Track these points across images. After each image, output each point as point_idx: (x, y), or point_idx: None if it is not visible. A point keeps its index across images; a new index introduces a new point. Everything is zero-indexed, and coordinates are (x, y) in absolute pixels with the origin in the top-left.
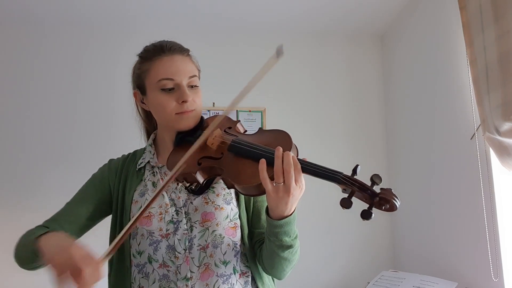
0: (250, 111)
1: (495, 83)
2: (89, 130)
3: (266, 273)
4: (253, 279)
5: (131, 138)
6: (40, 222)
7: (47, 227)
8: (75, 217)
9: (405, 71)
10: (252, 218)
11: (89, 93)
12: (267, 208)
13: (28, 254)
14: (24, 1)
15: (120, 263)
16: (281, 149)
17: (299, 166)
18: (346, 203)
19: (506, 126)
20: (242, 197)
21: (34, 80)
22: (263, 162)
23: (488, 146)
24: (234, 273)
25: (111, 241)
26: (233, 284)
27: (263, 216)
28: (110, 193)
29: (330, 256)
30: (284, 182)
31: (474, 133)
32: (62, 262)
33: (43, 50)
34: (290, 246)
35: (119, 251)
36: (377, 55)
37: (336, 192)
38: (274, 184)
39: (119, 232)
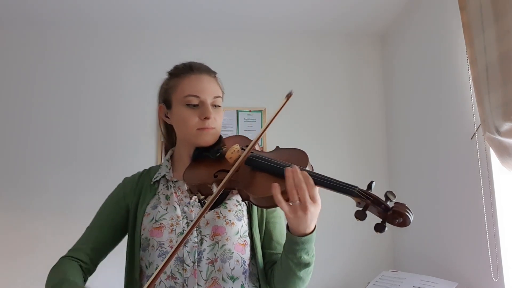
0: (250, 111)
1: (495, 83)
2: (92, 132)
3: None
4: None
5: (133, 140)
6: (42, 227)
7: (73, 257)
8: (98, 243)
9: (405, 71)
10: (264, 239)
11: (92, 95)
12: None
13: None
14: (28, 1)
15: (130, 275)
16: (289, 169)
17: (311, 180)
18: (361, 215)
19: (506, 126)
20: (255, 216)
21: (37, 82)
22: (275, 187)
23: (488, 146)
24: None
25: (128, 252)
26: None
27: (275, 237)
28: (127, 211)
29: (330, 256)
30: (299, 199)
31: (474, 133)
32: None
33: (46, 51)
34: (307, 265)
35: (129, 263)
36: (377, 55)
37: (336, 193)
38: (291, 204)
39: (131, 245)
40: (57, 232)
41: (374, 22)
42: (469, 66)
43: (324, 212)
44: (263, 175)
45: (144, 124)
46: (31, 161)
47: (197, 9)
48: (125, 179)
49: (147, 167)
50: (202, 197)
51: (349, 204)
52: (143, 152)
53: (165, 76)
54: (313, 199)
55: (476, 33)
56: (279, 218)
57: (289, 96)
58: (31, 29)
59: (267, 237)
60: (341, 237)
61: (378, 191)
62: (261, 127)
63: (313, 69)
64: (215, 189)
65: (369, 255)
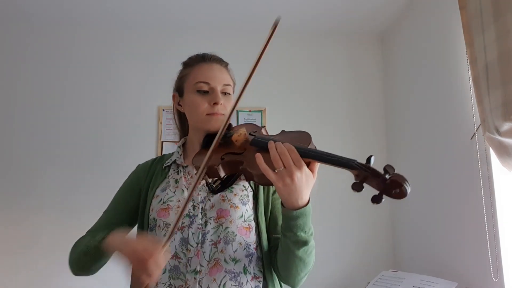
0: (250, 111)
1: (495, 83)
2: (92, 131)
3: (280, 280)
4: (266, 286)
5: (133, 139)
6: (42, 224)
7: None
8: (113, 226)
9: (405, 71)
10: (269, 224)
11: (93, 94)
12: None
13: (92, 258)
14: (28, 1)
15: None
16: (271, 141)
17: (293, 148)
18: (357, 187)
19: (506, 126)
20: (261, 201)
21: (37, 80)
22: (258, 156)
23: (488, 146)
24: (245, 273)
25: (137, 233)
26: (243, 283)
27: (280, 221)
28: (140, 195)
29: (330, 256)
30: (284, 166)
31: (474, 133)
32: (129, 254)
33: (47, 50)
34: (305, 243)
35: None
36: (377, 55)
37: (336, 192)
38: (276, 171)
39: (140, 225)
40: (57, 229)
41: (374, 22)
42: (469, 66)
43: (325, 212)
44: (265, 154)
45: (144, 123)
46: (31, 158)
47: (196, 8)
48: (139, 166)
49: None
50: (209, 180)
51: (350, 205)
52: (143, 151)
53: (165, 75)
54: (297, 164)
55: (476, 33)
56: None
57: (276, 24)
58: (32, 29)
59: (272, 222)
60: (341, 237)
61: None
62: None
63: (313, 69)
64: (221, 172)
65: (369, 255)
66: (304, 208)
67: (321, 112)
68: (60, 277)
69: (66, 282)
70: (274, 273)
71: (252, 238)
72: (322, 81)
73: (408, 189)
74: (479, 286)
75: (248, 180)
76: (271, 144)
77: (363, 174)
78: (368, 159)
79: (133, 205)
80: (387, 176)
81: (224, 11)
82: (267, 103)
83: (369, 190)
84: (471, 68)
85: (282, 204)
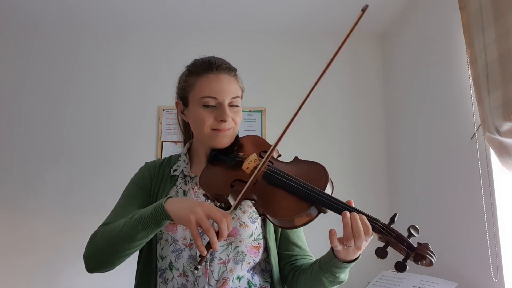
0: (250, 111)
1: (495, 83)
2: (91, 131)
3: None
4: None
5: (132, 140)
6: (40, 226)
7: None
8: None
9: (405, 71)
10: (280, 240)
11: (92, 94)
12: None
13: (129, 235)
14: (26, 1)
15: (147, 264)
16: (348, 214)
17: (370, 230)
18: (381, 254)
19: (506, 126)
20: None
21: (35, 81)
22: (333, 234)
23: (488, 146)
24: (250, 286)
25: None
26: None
27: (292, 239)
28: (150, 196)
29: None
30: (355, 244)
31: (474, 133)
32: (200, 217)
33: (45, 51)
34: (341, 282)
35: (146, 252)
36: (377, 54)
37: (337, 191)
38: (345, 247)
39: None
40: (55, 230)
41: (374, 22)
42: (469, 66)
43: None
44: (282, 193)
45: (143, 124)
46: (29, 160)
47: (196, 8)
48: (147, 164)
49: None
50: (218, 204)
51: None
52: (143, 152)
53: (165, 76)
54: (368, 240)
55: (476, 33)
56: None
57: (364, 9)
58: (34, 30)
59: (283, 239)
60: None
61: (379, 194)
62: (261, 127)
63: (313, 69)
64: (231, 200)
65: (369, 255)
66: (355, 260)
67: (321, 112)
68: (62, 278)
69: (67, 284)
70: (283, 283)
71: (260, 256)
72: (322, 80)
73: (434, 260)
74: (479, 286)
75: (260, 215)
76: (346, 220)
77: (387, 238)
78: (392, 218)
79: (145, 201)
80: (412, 241)
81: (223, 12)
82: (267, 103)
83: (370, 193)
84: (471, 68)
85: (332, 251)
